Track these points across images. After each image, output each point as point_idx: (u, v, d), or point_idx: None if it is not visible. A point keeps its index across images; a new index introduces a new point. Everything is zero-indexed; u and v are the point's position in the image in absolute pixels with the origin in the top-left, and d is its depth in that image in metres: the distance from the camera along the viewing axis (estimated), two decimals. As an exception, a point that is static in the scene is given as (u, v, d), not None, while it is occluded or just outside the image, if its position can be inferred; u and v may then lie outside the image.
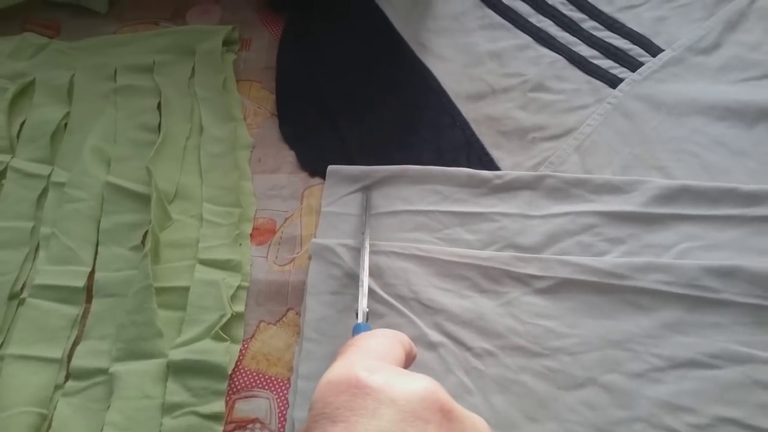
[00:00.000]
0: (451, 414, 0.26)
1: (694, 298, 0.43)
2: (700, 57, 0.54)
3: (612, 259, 0.44)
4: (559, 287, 0.44)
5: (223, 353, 0.42)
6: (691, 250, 0.45)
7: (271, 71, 0.57)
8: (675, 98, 0.52)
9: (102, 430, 0.39)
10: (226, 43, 0.58)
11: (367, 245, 0.44)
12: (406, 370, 0.29)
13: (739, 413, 0.39)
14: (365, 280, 0.41)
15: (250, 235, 0.48)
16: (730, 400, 0.40)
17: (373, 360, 0.28)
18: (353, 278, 0.45)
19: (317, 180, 0.50)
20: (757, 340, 0.41)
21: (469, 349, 0.42)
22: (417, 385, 0.26)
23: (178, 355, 0.41)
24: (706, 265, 0.43)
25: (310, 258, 0.46)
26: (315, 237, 0.47)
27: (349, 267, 0.45)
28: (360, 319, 0.39)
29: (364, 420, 0.24)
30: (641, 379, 0.41)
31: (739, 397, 0.40)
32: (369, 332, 0.33)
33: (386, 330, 0.32)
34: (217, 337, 0.42)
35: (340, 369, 0.27)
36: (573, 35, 0.56)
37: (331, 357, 0.41)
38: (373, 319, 0.43)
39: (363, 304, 0.39)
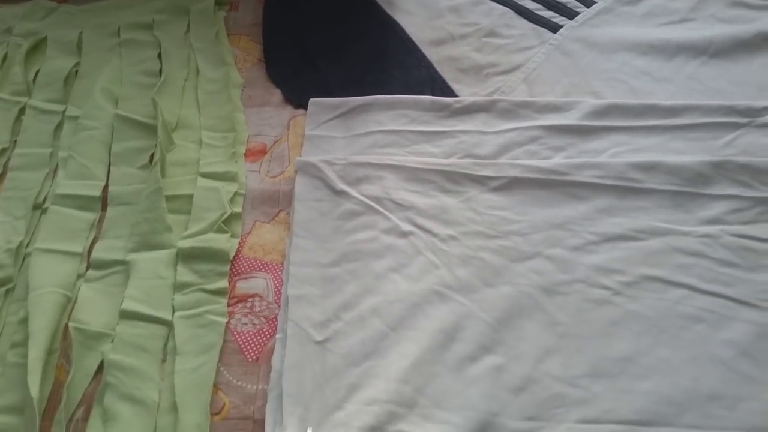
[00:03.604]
0: None
1: (623, 188, 0.51)
2: (627, 7, 0.63)
3: (554, 161, 0.52)
4: (511, 185, 0.52)
5: (225, 241, 0.48)
6: (620, 153, 0.53)
7: (258, 27, 0.64)
8: (606, 39, 0.61)
9: (121, 304, 0.46)
10: (217, 3, 0.65)
11: None
12: None
13: (660, 272, 0.47)
14: None
15: (244, 155, 0.55)
16: (653, 263, 0.47)
17: None
18: (332, 189, 0.52)
19: (301, 111, 0.58)
20: (675, 218, 0.49)
21: (435, 235, 0.50)
22: None
23: (186, 244, 0.48)
24: (632, 161, 0.52)
25: (296, 173, 0.53)
26: (300, 156, 0.54)
27: (329, 179, 0.52)
28: None
29: None
30: (579, 251, 0.48)
31: (661, 260, 0.47)
32: None
33: None
34: (220, 230, 0.49)
35: None
36: (519, -8, 0.66)
37: (316, 248, 0.49)
38: (352, 217, 0.51)
39: None
